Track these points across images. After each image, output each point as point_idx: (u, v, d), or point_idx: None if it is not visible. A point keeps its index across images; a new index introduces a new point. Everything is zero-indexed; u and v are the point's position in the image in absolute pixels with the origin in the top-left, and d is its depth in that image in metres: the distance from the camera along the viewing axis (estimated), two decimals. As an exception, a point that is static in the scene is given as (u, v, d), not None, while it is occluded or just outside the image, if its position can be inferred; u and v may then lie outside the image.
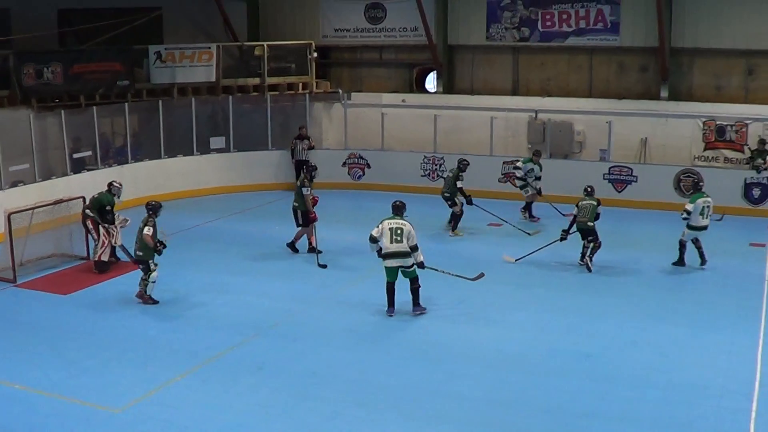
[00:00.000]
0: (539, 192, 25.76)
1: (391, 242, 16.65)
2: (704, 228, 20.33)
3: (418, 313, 16.99)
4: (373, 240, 16.83)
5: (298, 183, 21.87)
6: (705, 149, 28.86)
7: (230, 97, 30.25)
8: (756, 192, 26.80)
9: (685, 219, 20.22)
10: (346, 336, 16.07)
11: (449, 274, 18.11)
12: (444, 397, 13.35)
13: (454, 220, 24.49)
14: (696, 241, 20.45)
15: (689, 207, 20.12)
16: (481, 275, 18.58)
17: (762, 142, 27.27)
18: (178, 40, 31.12)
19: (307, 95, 31.79)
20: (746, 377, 14.11)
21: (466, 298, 17.87)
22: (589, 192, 21.26)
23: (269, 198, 28.96)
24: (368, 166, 30.92)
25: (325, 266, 20.29)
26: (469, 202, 24.29)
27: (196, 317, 17.08)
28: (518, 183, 26.34)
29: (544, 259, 20.92)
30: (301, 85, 31.99)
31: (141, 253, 17.72)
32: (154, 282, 17.59)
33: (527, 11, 31.63)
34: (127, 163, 27.73)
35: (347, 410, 12.78)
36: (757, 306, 17.91)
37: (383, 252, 16.80)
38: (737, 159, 28.47)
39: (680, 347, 15.59)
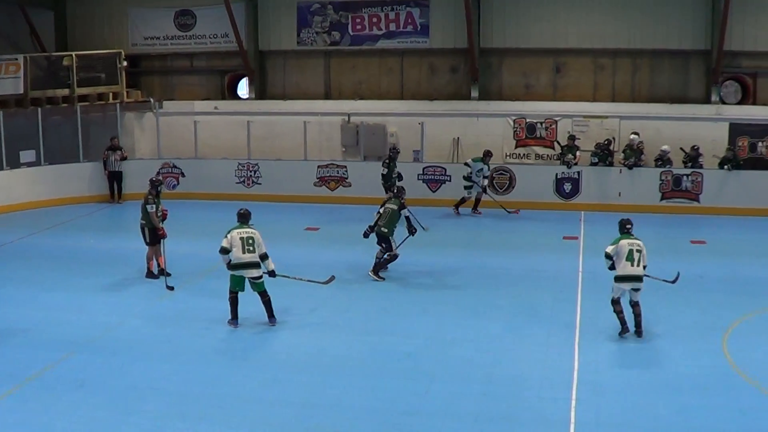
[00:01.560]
0: (485, 189, 26.61)
1: (244, 252, 16.42)
2: (636, 279, 15.77)
3: (273, 323, 16.78)
4: (226, 251, 16.51)
5: (143, 200, 21.04)
6: (516, 147, 29.68)
7: (39, 109, 29.35)
8: (567, 187, 27.60)
9: (610, 269, 16.01)
10: (164, 348, 15.81)
11: (300, 279, 18.03)
12: (266, 403, 13.29)
13: None
14: (635, 306, 15.94)
15: (609, 250, 15.93)
16: (332, 278, 18.58)
17: (572, 138, 28.12)
18: (-17, 53, 30.18)
19: (118, 105, 31.28)
20: (564, 367, 14.50)
21: (287, 302, 17.70)
22: (395, 194, 20.81)
23: (83, 211, 28.41)
24: (182, 174, 30.64)
25: (172, 288, 19.43)
26: (388, 190, 24.90)
27: (12, 336, 16.46)
28: (464, 183, 26.95)
29: (366, 261, 20.99)
30: (111, 94, 31.36)
31: None
32: None
33: (337, 15, 31.83)
34: (-68, 180, 26.64)
35: (170, 423, 12.59)
36: (572, 298, 18.45)
37: (234, 262, 16.52)
38: (548, 155, 29.31)
39: (499, 342, 15.92)
